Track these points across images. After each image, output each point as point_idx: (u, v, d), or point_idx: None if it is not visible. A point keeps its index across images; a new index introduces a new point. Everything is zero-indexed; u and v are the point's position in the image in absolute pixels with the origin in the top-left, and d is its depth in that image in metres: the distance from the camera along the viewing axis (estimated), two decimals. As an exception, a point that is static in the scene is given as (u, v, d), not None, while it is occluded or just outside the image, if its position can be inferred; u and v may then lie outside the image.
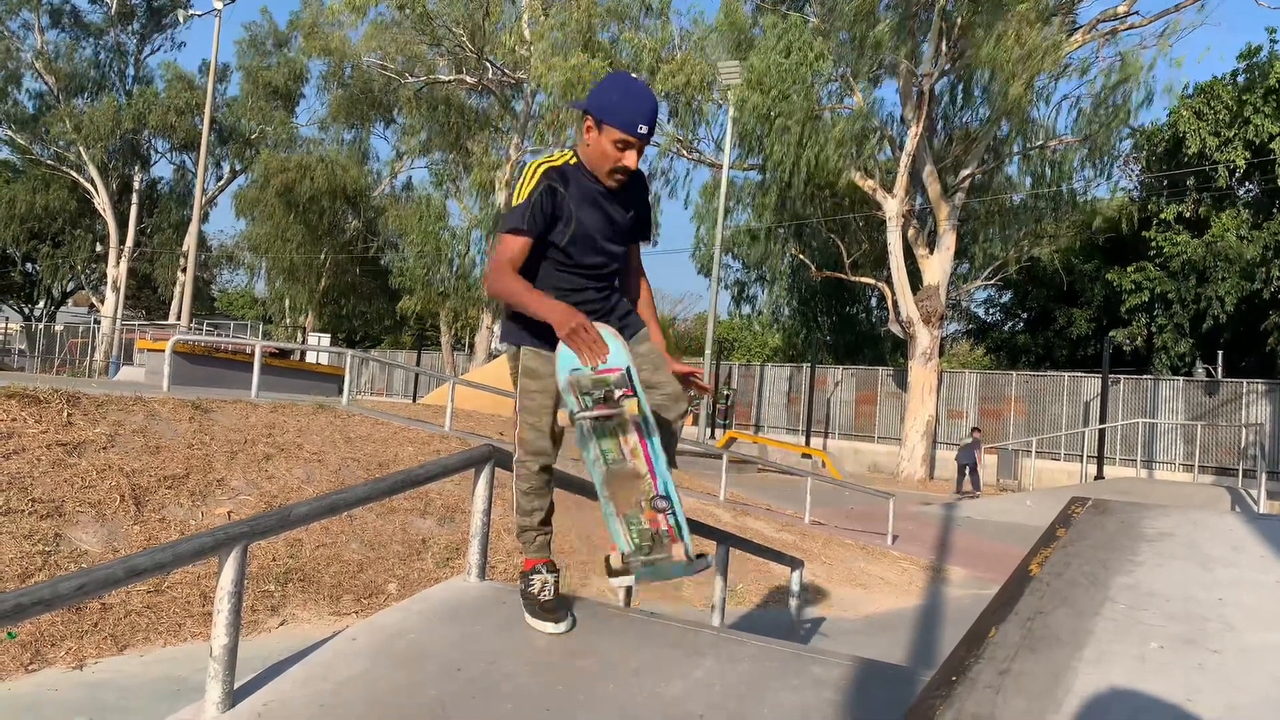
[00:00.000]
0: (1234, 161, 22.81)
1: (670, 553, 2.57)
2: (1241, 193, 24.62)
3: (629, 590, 3.65)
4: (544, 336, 2.60)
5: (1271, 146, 22.22)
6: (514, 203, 2.59)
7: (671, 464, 2.77)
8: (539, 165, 2.62)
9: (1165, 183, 25.08)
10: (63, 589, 1.96)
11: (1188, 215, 24.51)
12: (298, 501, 2.87)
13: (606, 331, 2.45)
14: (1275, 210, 23.04)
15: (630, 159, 2.57)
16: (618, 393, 2.42)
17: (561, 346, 2.45)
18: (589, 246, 2.66)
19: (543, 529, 2.81)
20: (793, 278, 30.15)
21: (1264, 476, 16.17)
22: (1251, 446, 19.66)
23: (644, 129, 2.53)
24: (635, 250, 2.92)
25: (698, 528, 4.65)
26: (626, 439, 2.50)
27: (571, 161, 2.64)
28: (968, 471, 19.36)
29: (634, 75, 2.64)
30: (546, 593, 2.75)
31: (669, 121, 25.10)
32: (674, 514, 2.57)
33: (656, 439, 2.55)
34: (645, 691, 2.40)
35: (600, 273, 2.73)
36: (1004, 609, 1.88)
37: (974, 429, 22.13)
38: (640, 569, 2.62)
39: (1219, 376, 21.56)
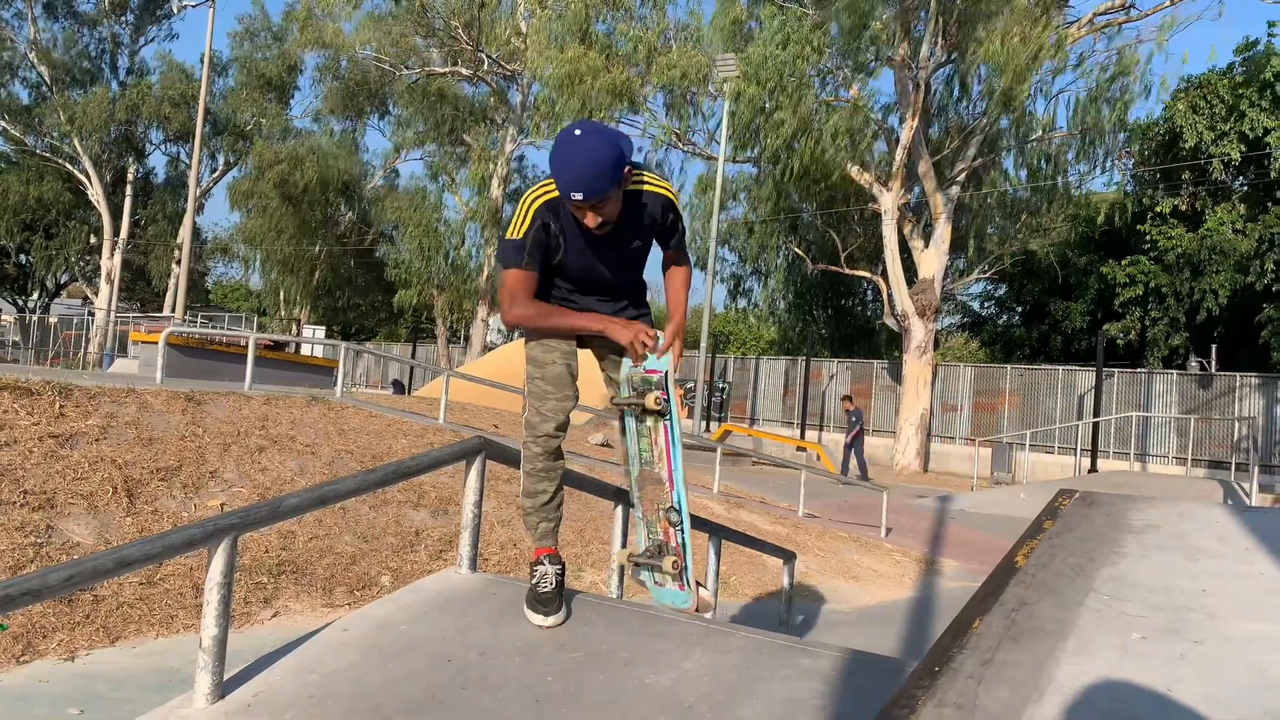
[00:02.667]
0: (1229, 155, 22.86)
1: (665, 564, 2.86)
2: (1236, 186, 24.66)
3: (620, 582, 3.68)
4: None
5: (1267, 140, 22.26)
6: (508, 235, 2.63)
7: None
8: (533, 201, 2.63)
9: (1160, 176, 25.12)
10: (51, 580, 1.97)
11: (1183, 209, 24.55)
12: (288, 493, 2.87)
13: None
14: (1270, 204, 23.09)
15: (586, 219, 2.55)
16: (656, 391, 2.70)
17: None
18: (586, 271, 2.75)
19: (544, 514, 2.83)
20: (788, 271, 30.18)
21: (1256, 469, 16.23)
22: (1244, 440, 19.73)
23: (577, 196, 2.47)
24: (670, 255, 2.91)
25: (691, 520, 4.67)
26: (657, 440, 2.72)
27: None
28: (852, 453, 19.20)
29: (585, 128, 2.46)
30: (544, 584, 2.78)
31: (665, 114, 25.08)
32: (683, 531, 2.82)
33: (679, 449, 2.74)
34: (635, 682, 2.41)
35: (604, 290, 2.83)
36: (989, 600, 1.89)
37: (844, 397, 21.93)
38: (643, 572, 2.95)
39: (1213, 370, 21.63)
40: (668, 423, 2.68)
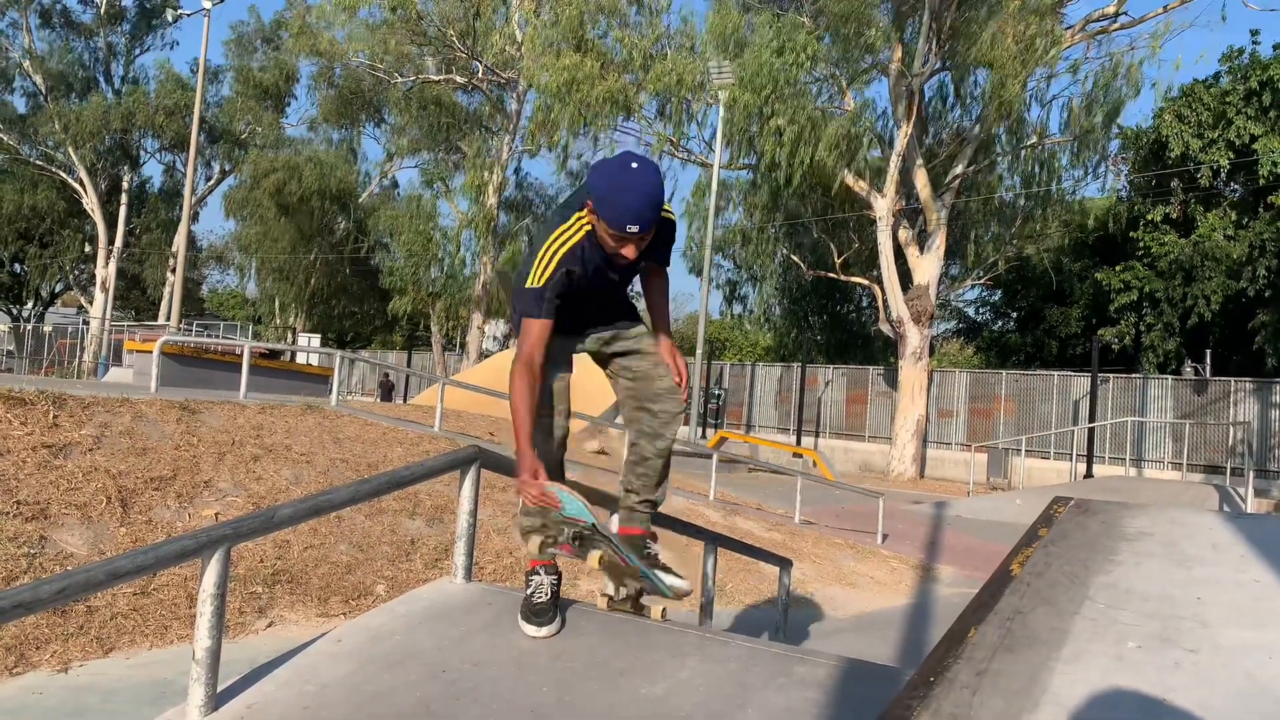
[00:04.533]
0: (1217, 162, 22.95)
1: (650, 613, 3.01)
2: (1226, 193, 24.77)
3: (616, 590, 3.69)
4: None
5: (1254, 148, 22.36)
6: (529, 284, 2.61)
7: (668, 468, 3.00)
8: (558, 246, 2.62)
9: (1153, 183, 25.21)
10: (43, 592, 1.96)
11: (1174, 216, 24.64)
12: (282, 503, 2.86)
13: (565, 495, 2.63)
14: (1260, 210, 23.18)
15: (628, 250, 2.56)
16: (586, 533, 2.72)
17: (557, 492, 2.63)
18: (592, 295, 2.78)
19: (543, 530, 2.82)
20: (784, 277, 30.21)
21: (1251, 475, 16.25)
22: (1239, 445, 19.77)
23: (634, 229, 2.48)
24: (653, 267, 2.95)
25: (686, 528, 4.67)
26: (603, 564, 2.86)
27: (589, 228, 2.64)
28: None
29: (639, 160, 2.48)
30: (539, 595, 2.78)
31: (657, 120, 25.12)
32: (651, 581, 2.92)
33: (630, 554, 2.83)
34: (630, 692, 2.40)
35: (604, 304, 2.87)
36: (984, 609, 1.89)
37: None
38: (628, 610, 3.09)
39: (1207, 375, 21.67)
40: (610, 549, 2.77)
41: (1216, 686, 1.56)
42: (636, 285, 3.08)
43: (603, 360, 2.97)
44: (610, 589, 3.04)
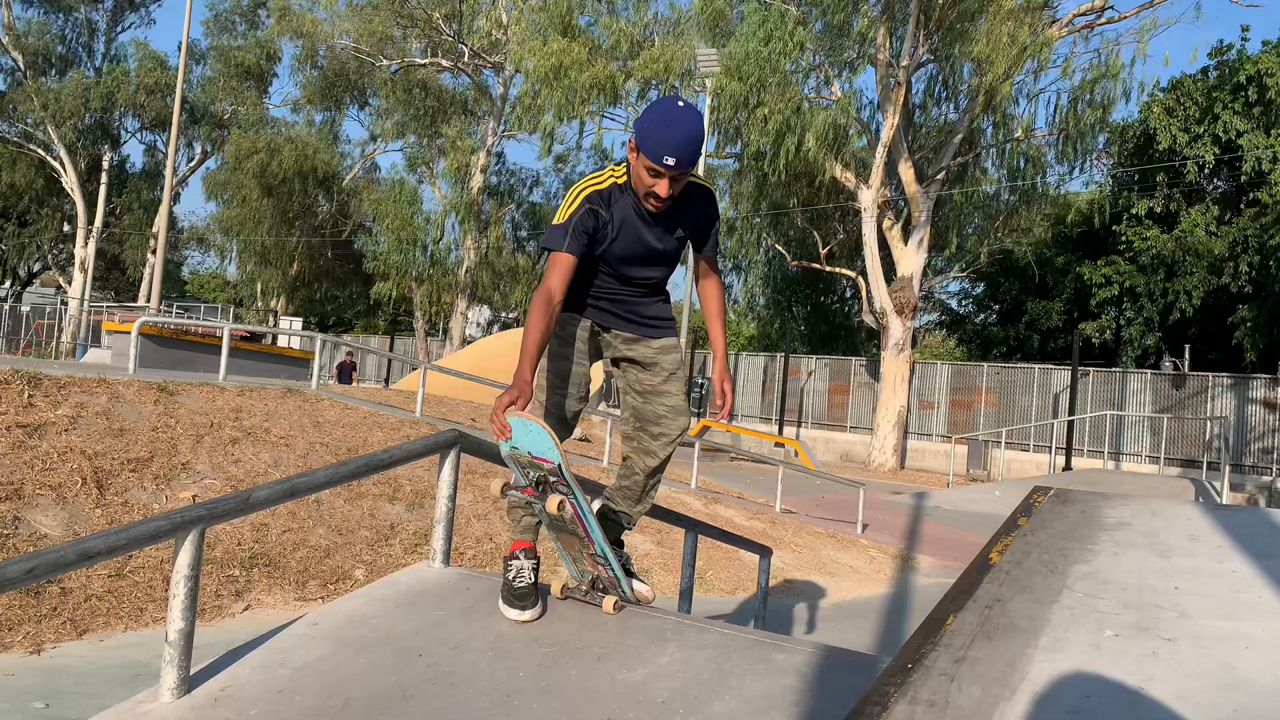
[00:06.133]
0: (1203, 157, 23.10)
1: (602, 604, 2.79)
2: (1210, 188, 24.94)
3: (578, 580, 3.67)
4: (565, 307, 2.75)
5: (1239, 143, 22.51)
6: (556, 220, 2.66)
7: (654, 487, 2.96)
8: (583, 187, 2.69)
9: (1136, 177, 25.36)
10: (10, 572, 1.93)
11: (1158, 210, 24.80)
12: (259, 485, 2.83)
13: (535, 427, 2.49)
14: (1243, 206, 23.36)
15: (661, 187, 2.58)
16: (553, 479, 2.56)
17: (512, 421, 2.50)
18: (627, 264, 2.77)
19: (529, 509, 2.80)
20: (768, 267, 30.23)
21: (1227, 468, 16.43)
22: (1216, 439, 19.97)
23: (670, 161, 2.51)
24: (702, 260, 2.97)
25: (667, 515, 4.66)
26: (564, 512, 2.63)
27: (620, 180, 2.70)
28: None
29: (686, 103, 2.59)
30: (520, 580, 2.76)
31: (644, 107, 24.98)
32: (611, 568, 2.77)
33: (593, 519, 2.68)
34: (608, 678, 2.39)
35: (640, 283, 2.84)
36: (963, 596, 1.89)
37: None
38: (581, 598, 2.87)
39: (1186, 370, 21.87)
40: (573, 501, 2.62)
41: (1194, 676, 1.56)
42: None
43: (616, 361, 2.94)
44: (570, 575, 2.95)
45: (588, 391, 2.87)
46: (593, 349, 2.87)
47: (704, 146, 2.64)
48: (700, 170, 23.15)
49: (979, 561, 2.13)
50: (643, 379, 2.87)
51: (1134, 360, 24.41)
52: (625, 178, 2.68)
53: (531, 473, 2.57)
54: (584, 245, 2.63)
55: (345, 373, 28.88)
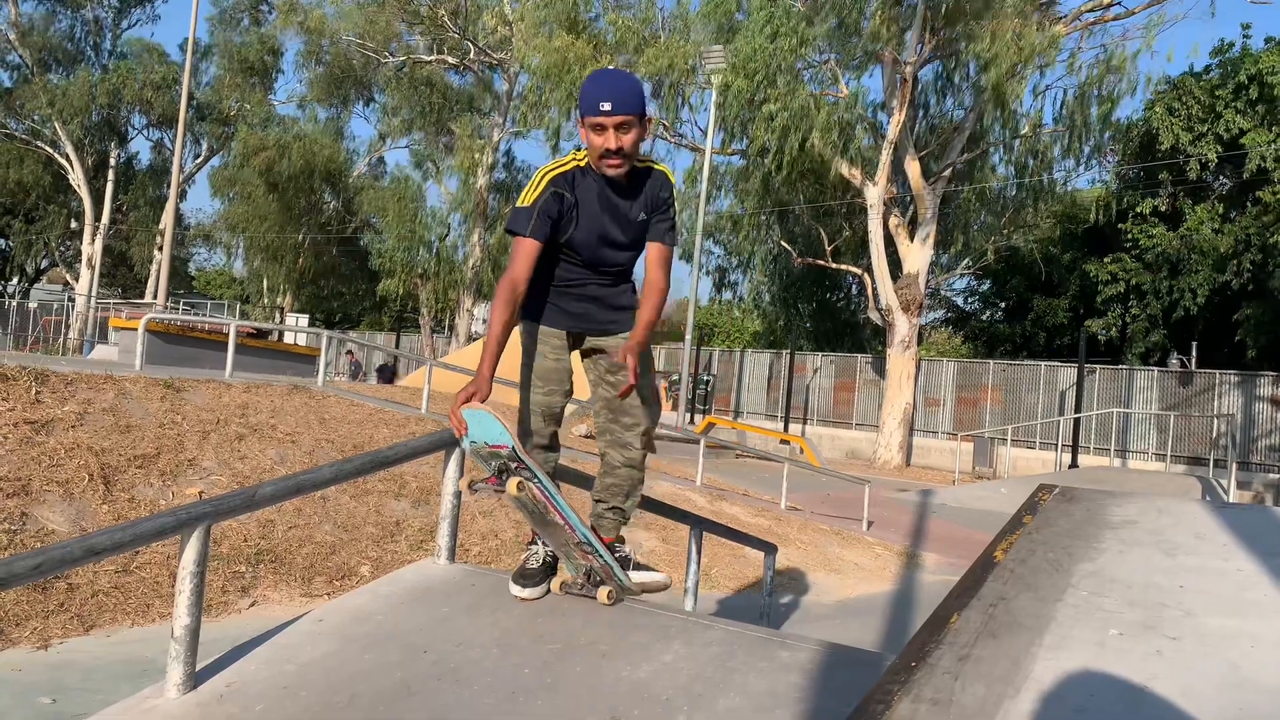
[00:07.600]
0: (1206, 156, 23.00)
1: (597, 595, 2.80)
2: (1214, 186, 24.85)
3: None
4: (534, 315, 2.78)
5: (1242, 141, 22.42)
6: (520, 204, 2.65)
7: (650, 449, 2.90)
8: (547, 171, 2.68)
9: (1141, 174, 25.28)
10: (18, 568, 1.93)
11: (1163, 209, 24.72)
12: (264, 482, 2.84)
13: (485, 415, 2.50)
14: (1247, 204, 23.27)
15: (608, 139, 2.58)
16: (513, 465, 2.54)
17: (467, 415, 2.51)
18: (594, 247, 2.75)
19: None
20: (774, 264, 30.17)
21: (1234, 466, 16.37)
22: (1223, 436, 19.91)
23: (605, 105, 2.53)
24: (652, 248, 2.85)
25: (672, 512, 4.66)
26: (535, 497, 2.62)
27: (582, 163, 2.70)
28: None
29: (611, 68, 2.76)
30: (532, 562, 2.85)
31: (652, 105, 24.97)
32: (600, 556, 2.77)
33: (563, 500, 2.68)
34: (613, 674, 2.39)
35: (605, 269, 2.81)
36: (967, 594, 1.88)
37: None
38: (578, 592, 2.86)
39: (1192, 367, 21.80)
40: (535, 483, 2.61)
41: (1199, 674, 1.56)
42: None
43: (586, 352, 2.94)
44: (568, 571, 2.93)
45: (571, 386, 2.85)
46: (569, 342, 2.86)
47: (644, 96, 2.65)
48: (705, 168, 23.14)
49: (984, 559, 2.13)
50: (614, 368, 2.84)
51: (1140, 358, 24.34)
52: (587, 160, 2.69)
53: (492, 462, 2.56)
54: (548, 229, 2.62)
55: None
